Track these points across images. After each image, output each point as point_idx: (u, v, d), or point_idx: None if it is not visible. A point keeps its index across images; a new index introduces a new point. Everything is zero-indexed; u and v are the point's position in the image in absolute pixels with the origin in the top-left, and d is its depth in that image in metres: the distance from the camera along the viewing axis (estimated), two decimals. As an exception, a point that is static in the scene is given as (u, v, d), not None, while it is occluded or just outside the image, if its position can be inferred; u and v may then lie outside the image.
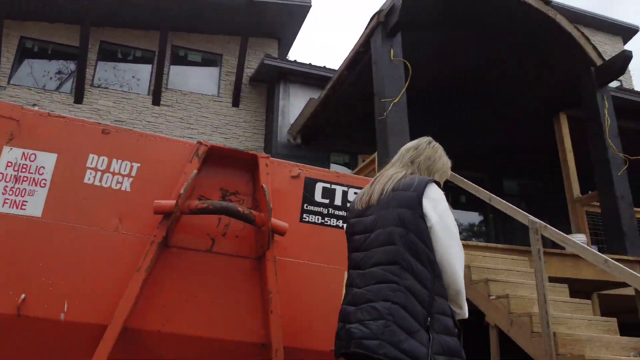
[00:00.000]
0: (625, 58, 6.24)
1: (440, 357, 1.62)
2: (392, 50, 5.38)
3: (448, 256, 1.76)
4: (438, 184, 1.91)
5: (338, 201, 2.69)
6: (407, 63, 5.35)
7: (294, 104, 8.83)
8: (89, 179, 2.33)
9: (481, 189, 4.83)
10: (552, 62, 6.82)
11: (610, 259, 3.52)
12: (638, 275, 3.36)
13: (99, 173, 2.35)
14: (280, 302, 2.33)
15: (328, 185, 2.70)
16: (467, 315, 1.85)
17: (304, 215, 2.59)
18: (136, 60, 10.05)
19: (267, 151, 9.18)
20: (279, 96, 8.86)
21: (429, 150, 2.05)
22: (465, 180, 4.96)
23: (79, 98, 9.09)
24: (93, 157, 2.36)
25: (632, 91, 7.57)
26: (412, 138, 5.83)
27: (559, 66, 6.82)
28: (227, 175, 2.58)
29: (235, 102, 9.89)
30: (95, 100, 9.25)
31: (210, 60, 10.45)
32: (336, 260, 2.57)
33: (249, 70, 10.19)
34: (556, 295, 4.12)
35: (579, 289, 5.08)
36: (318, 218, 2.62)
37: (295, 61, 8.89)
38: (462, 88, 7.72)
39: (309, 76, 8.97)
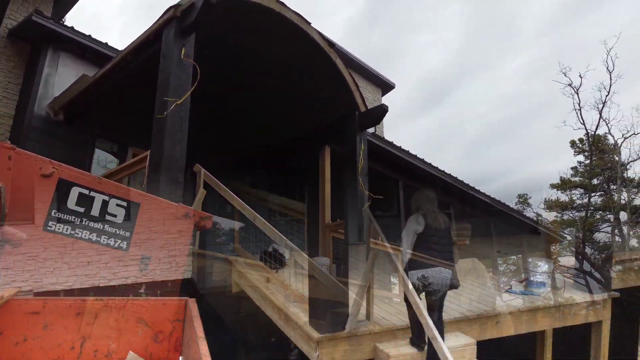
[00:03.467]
0: (382, 111, 7.31)
1: None
2: (183, 49, 5.18)
3: None
4: None
5: (95, 211, 2.36)
6: (197, 66, 5.23)
7: (63, 76, 7.74)
8: None
9: (247, 206, 5.01)
10: (326, 99, 7.54)
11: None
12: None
13: None
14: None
15: (86, 192, 2.38)
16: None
17: (50, 224, 2.25)
18: None
19: (18, 121, 7.77)
20: (44, 62, 7.63)
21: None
22: (234, 195, 5.08)
23: None
24: None
25: (382, 139, 8.92)
26: (191, 141, 5.70)
27: (331, 104, 7.57)
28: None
29: (-16, 55, 8.15)
30: None
31: (-44, -5, 8.38)
32: (81, 279, 2.30)
33: (10, 22, 8.53)
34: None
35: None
36: (67, 228, 2.30)
37: (72, 28, 7.79)
38: (247, 101, 7.93)
39: (86, 49, 7.97)
